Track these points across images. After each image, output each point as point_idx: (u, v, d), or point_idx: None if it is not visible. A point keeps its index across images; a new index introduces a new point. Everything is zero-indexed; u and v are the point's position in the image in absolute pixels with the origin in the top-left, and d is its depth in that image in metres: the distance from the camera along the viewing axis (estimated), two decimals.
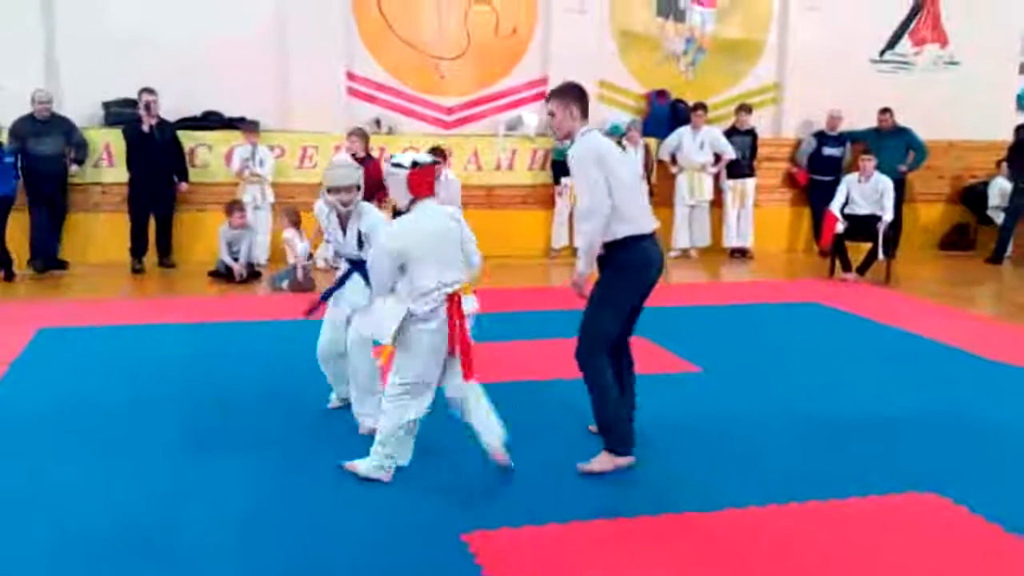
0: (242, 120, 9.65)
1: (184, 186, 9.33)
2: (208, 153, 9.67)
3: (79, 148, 9.10)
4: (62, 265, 9.07)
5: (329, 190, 4.68)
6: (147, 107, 8.88)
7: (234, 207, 8.90)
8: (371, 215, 4.68)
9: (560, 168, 10.34)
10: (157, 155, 9.05)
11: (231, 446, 4.42)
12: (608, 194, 4.08)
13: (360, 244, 4.64)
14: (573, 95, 4.27)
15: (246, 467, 4.14)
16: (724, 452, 4.46)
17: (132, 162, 9.07)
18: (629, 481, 4.07)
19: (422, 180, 4.04)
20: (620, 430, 4.22)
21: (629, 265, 4.20)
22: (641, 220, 4.22)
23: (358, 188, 4.69)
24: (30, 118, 8.84)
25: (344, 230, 4.73)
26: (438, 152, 8.69)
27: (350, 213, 4.68)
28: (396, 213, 4.52)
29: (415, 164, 4.04)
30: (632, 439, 4.25)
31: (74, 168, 9.12)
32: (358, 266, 4.67)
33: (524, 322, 5.35)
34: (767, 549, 3.46)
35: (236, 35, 9.73)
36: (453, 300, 4.01)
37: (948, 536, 3.60)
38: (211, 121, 9.75)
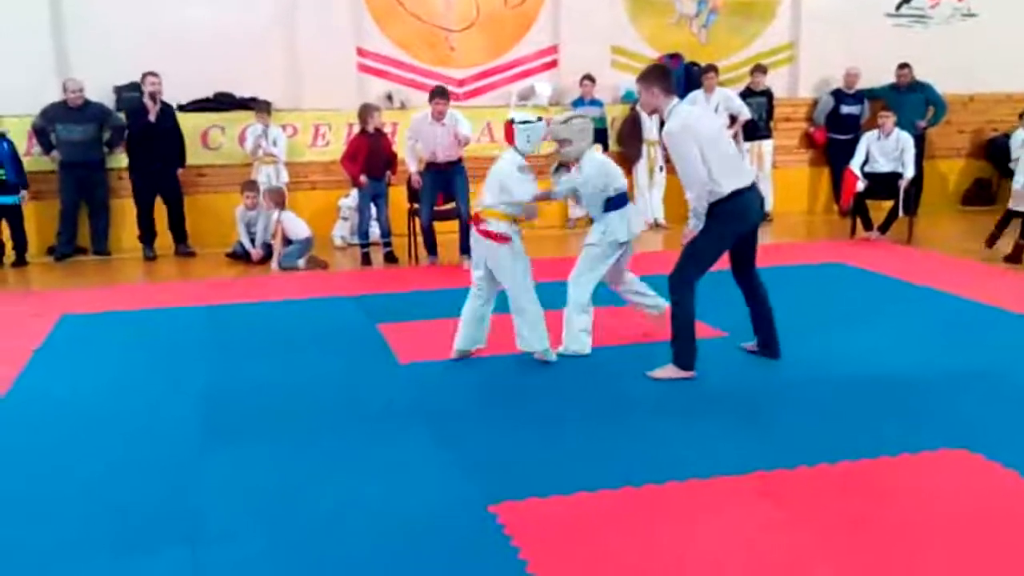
0: (254, 100, 9.60)
1: (180, 172, 9.23)
2: (221, 135, 9.64)
3: (115, 132, 9.08)
4: (82, 251, 9.13)
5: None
6: (152, 96, 8.82)
7: (246, 188, 8.87)
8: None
9: None
10: (161, 141, 8.98)
11: (254, 430, 4.41)
12: (702, 163, 4.62)
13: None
14: (653, 76, 4.84)
15: (269, 450, 4.12)
16: (752, 416, 4.42)
17: (136, 149, 8.98)
18: (656, 447, 4.04)
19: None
20: (687, 349, 4.85)
21: (725, 214, 4.75)
22: (736, 176, 4.77)
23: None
24: (63, 105, 8.83)
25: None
26: (440, 93, 8.37)
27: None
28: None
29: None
30: (695, 358, 4.87)
31: (106, 151, 9.12)
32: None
33: (548, 293, 5.35)
34: (796, 512, 3.42)
35: (245, 14, 9.68)
36: None
37: (981, 492, 3.55)
38: (222, 103, 9.71)
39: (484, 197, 5.27)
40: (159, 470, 3.94)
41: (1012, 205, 8.29)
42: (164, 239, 9.30)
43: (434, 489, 3.67)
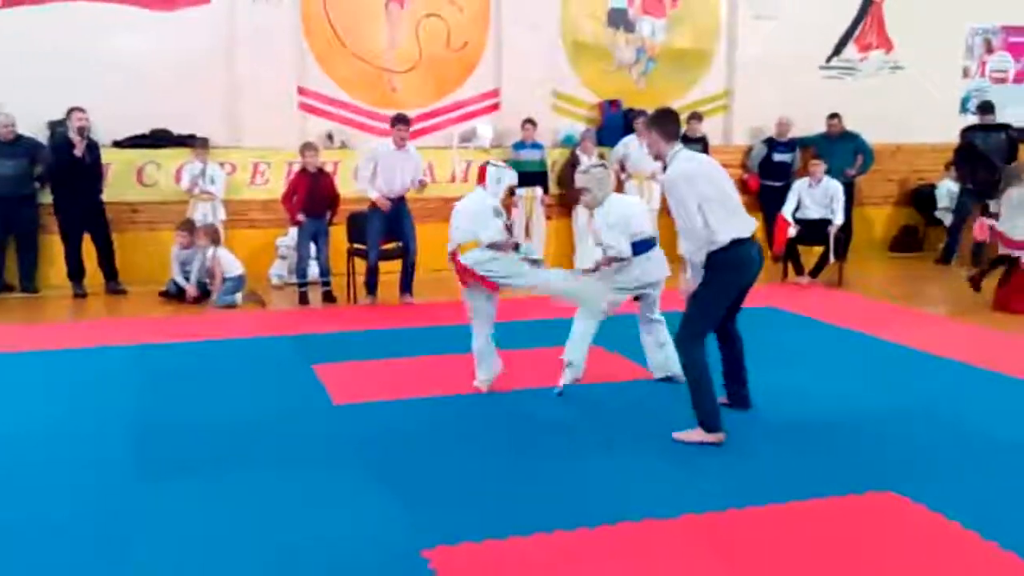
0: (191, 137, 9.51)
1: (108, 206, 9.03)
2: (157, 171, 9.51)
3: (46, 167, 8.87)
4: (10, 288, 8.88)
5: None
6: (80, 131, 8.67)
7: (180, 228, 8.73)
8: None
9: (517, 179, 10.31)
10: (87, 177, 8.81)
11: (184, 472, 4.32)
12: (696, 210, 4.48)
13: None
14: (654, 122, 4.74)
15: (198, 493, 4.04)
16: (683, 457, 4.46)
17: (61, 184, 8.76)
18: (588, 490, 4.05)
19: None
20: (710, 408, 4.62)
21: (726, 265, 4.57)
22: (736, 226, 4.60)
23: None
24: None
25: None
26: (402, 120, 8.42)
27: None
28: None
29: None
30: (720, 418, 4.64)
31: (36, 186, 8.90)
32: None
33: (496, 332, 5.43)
34: (725, 554, 3.45)
35: (184, 50, 9.60)
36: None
37: (906, 534, 3.62)
38: (159, 139, 9.59)
39: (455, 235, 5.52)
40: (86, 513, 3.83)
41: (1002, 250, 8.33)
42: (97, 277, 9.10)
43: (366, 533, 3.63)
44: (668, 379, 5.65)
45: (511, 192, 5.71)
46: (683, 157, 4.66)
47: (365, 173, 8.28)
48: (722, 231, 4.54)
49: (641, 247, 5.46)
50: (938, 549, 3.49)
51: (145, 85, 9.39)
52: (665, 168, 4.72)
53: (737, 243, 4.57)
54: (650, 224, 5.64)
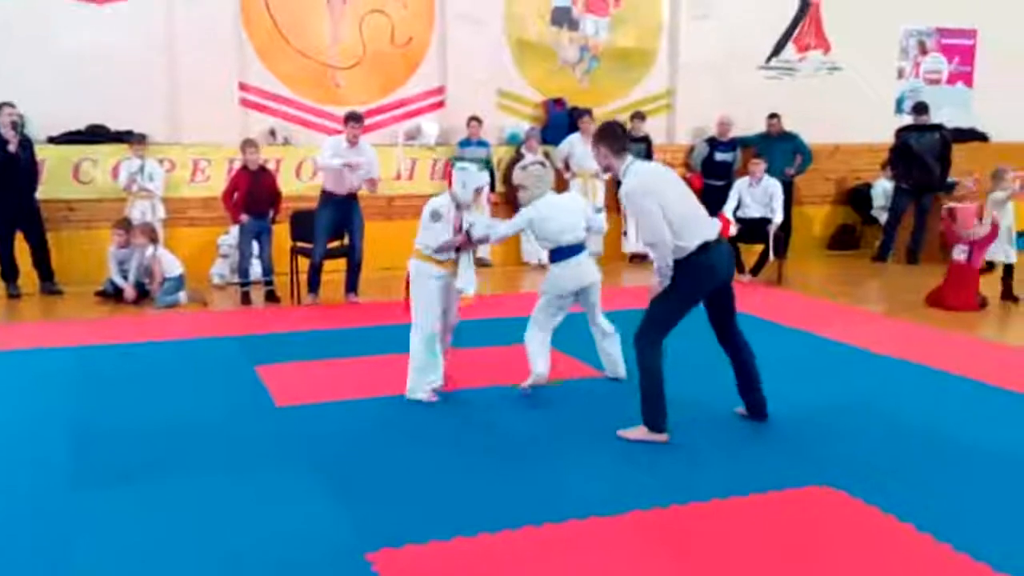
0: (129, 133, 9.30)
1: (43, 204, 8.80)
2: (93, 168, 9.30)
3: None
4: None
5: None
6: (13, 126, 8.43)
7: (116, 226, 8.54)
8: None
9: None
10: (21, 174, 8.57)
11: (121, 475, 4.24)
12: (662, 220, 4.47)
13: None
14: (600, 139, 4.71)
15: (137, 496, 3.97)
16: (628, 455, 4.50)
17: None
18: (534, 488, 4.06)
19: None
20: (657, 409, 4.64)
21: (693, 269, 4.58)
22: (700, 231, 4.60)
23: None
24: None
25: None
26: (355, 117, 8.30)
27: None
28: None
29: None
30: (666, 419, 4.65)
31: None
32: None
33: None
34: (670, 550, 3.49)
35: (122, 45, 9.40)
36: None
37: (844, 528, 3.70)
38: (96, 135, 9.37)
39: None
40: (22, 520, 3.74)
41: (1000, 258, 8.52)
42: (32, 277, 8.86)
43: (308, 536, 3.59)
44: (616, 379, 5.69)
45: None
46: (636, 170, 4.64)
47: (326, 155, 8.12)
48: (687, 235, 4.54)
49: (558, 254, 5.42)
50: (875, 542, 3.58)
51: (81, 80, 9.18)
52: (619, 183, 4.69)
53: (704, 247, 4.57)
54: (581, 227, 5.43)
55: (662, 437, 4.66)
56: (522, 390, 5.40)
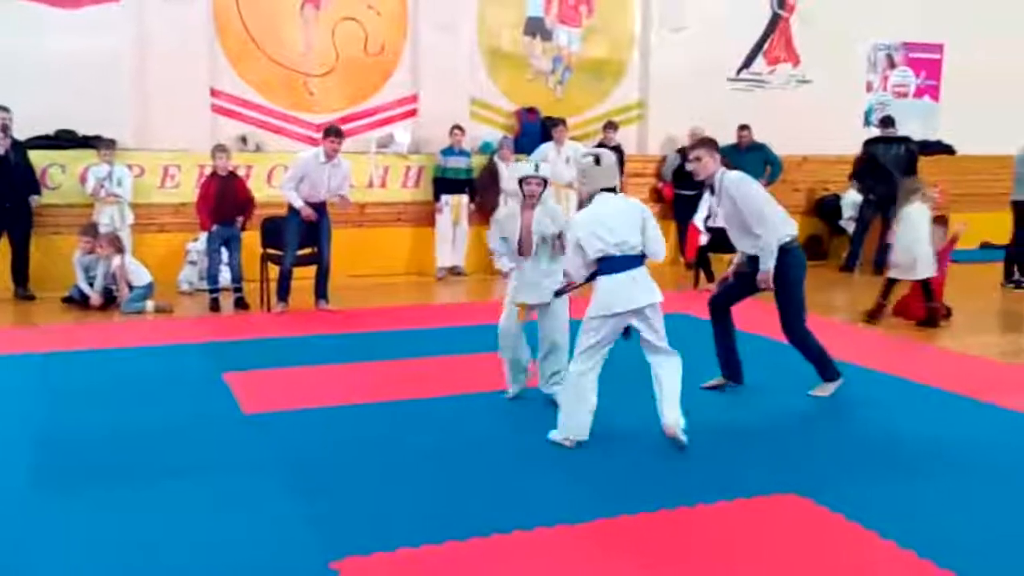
0: (97, 138, 9.22)
1: (36, 199, 8.75)
2: (61, 173, 9.21)
3: None
4: None
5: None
6: (3, 129, 8.35)
7: (83, 233, 8.46)
8: None
9: (443, 185, 10.32)
10: (12, 176, 8.50)
11: (87, 482, 4.19)
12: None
13: None
14: (707, 142, 5.51)
15: (102, 503, 3.92)
16: (596, 462, 4.50)
17: None
18: (503, 496, 4.06)
19: None
20: (830, 363, 5.68)
21: (797, 259, 5.49)
22: (791, 224, 5.56)
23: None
24: None
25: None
26: (335, 132, 8.21)
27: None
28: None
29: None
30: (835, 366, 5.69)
31: None
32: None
33: (412, 340, 5.38)
34: (636, 558, 3.50)
35: (92, 50, 9.33)
36: None
37: (808, 535, 3.73)
38: (64, 140, 9.29)
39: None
40: None
41: (893, 274, 8.12)
42: (3, 281, 8.75)
43: (274, 544, 3.56)
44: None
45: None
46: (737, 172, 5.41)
47: (291, 183, 8.11)
48: (786, 225, 5.43)
49: (603, 267, 4.62)
50: (839, 549, 3.61)
51: (50, 84, 9.10)
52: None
53: (796, 239, 5.55)
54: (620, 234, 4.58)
55: (840, 380, 5.63)
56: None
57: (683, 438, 4.60)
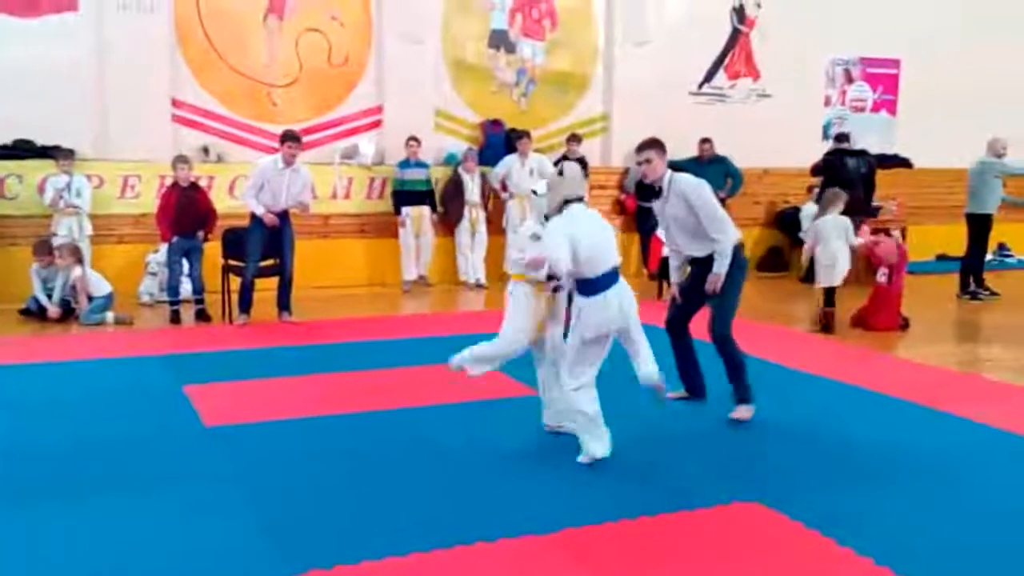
0: (56, 148, 9.11)
1: None
2: (19, 184, 9.08)
3: None
4: None
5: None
6: None
7: (38, 251, 8.32)
8: None
9: (402, 198, 10.30)
10: None
11: (42, 496, 4.12)
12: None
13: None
14: (654, 143, 5.53)
15: (58, 517, 3.86)
16: (560, 473, 4.52)
17: None
18: (466, 508, 4.06)
19: None
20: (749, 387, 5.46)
21: (741, 264, 5.45)
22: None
23: None
24: None
25: None
26: (292, 137, 8.12)
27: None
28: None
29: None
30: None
31: None
32: None
33: (376, 352, 5.35)
34: (600, 568, 3.52)
35: (50, 59, 9.22)
36: None
37: (769, 543, 3.77)
38: (22, 149, 9.15)
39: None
40: None
41: (823, 283, 8.29)
42: None
43: (235, 557, 3.53)
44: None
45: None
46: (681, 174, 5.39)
47: (251, 191, 8.06)
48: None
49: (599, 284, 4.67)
50: (798, 557, 3.65)
51: (8, 93, 8.99)
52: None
53: (741, 245, 5.55)
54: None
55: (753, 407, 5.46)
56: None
57: (664, 385, 4.76)
